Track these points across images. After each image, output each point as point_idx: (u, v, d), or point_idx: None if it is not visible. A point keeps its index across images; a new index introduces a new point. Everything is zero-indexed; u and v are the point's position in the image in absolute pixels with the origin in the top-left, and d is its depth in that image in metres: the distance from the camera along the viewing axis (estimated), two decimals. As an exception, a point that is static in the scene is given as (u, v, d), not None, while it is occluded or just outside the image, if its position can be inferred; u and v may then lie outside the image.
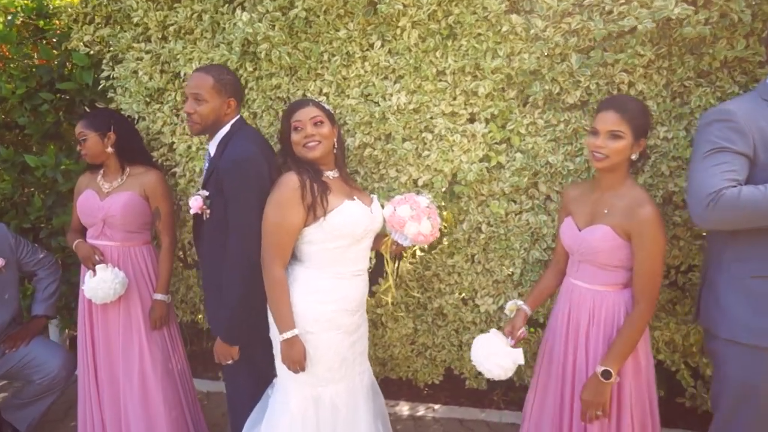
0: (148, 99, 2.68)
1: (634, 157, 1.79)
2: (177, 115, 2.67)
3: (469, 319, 2.65)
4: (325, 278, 1.98)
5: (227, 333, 2.05)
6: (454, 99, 2.24)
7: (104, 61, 2.77)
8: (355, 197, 2.02)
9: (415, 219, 1.95)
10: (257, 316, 2.07)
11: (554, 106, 2.19)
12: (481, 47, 2.12)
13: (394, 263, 2.25)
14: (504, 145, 2.28)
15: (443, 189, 2.35)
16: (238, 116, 2.12)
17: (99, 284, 2.40)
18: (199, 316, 3.29)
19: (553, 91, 2.13)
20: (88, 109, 2.92)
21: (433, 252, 2.60)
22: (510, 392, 3.25)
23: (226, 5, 2.40)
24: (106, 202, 2.51)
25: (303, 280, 1.98)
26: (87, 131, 2.46)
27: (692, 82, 2.03)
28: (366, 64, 2.27)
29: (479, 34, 2.12)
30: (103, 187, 2.56)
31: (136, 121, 2.72)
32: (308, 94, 2.38)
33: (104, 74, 2.76)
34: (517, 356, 1.94)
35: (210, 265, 2.14)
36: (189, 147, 2.66)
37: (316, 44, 2.30)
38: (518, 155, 2.24)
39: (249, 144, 2.03)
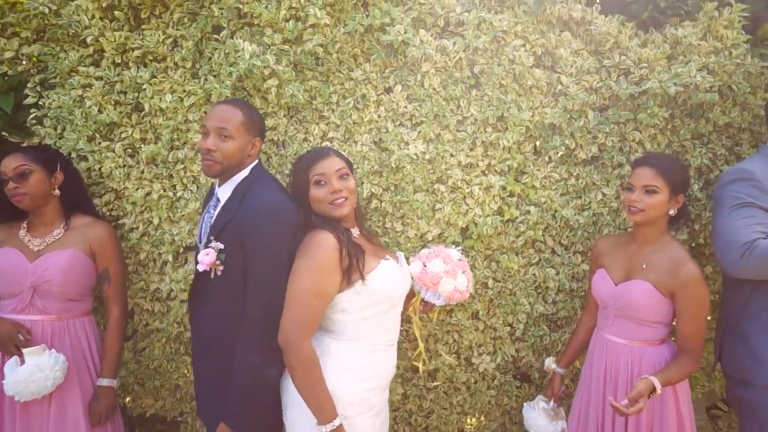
0: (94, 135, 2.18)
1: (672, 212, 1.85)
2: (132, 156, 2.21)
3: (462, 380, 2.49)
4: (360, 351, 1.70)
5: (240, 422, 1.65)
6: (472, 150, 2.15)
7: (29, 85, 2.22)
8: (387, 256, 1.80)
9: (451, 274, 1.79)
10: (273, 399, 1.72)
11: (567, 161, 2.21)
12: (506, 98, 2.08)
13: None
14: (515, 198, 2.24)
15: (453, 244, 2.22)
16: (258, 160, 1.80)
17: (32, 375, 1.81)
18: (127, 399, 2.69)
19: (569, 145, 2.15)
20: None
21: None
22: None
23: (215, 34, 2.08)
24: (38, 264, 1.95)
25: (335, 354, 1.68)
26: (32, 165, 1.92)
27: (689, 143, 2.19)
28: (381, 108, 2.10)
29: (502, 86, 2.09)
30: (30, 244, 1.99)
31: (75, 162, 2.19)
32: (310, 138, 2.12)
33: (28, 100, 2.20)
34: (561, 426, 2.00)
35: (213, 337, 1.73)
36: (148, 194, 2.20)
37: (325, 84, 2.07)
38: (532, 208, 2.21)
39: (278, 192, 1.72)
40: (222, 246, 1.67)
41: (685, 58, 2.05)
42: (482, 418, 2.68)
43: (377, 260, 1.71)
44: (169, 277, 2.29)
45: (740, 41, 2.05)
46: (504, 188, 2.20)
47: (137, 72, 2.13)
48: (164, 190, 2.21)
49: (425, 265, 1.79)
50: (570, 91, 2.07)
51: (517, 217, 2.23)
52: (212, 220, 1.77)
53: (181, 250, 2.30)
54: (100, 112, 2.15)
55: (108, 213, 2.26)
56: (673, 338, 1.96)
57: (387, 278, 1.70)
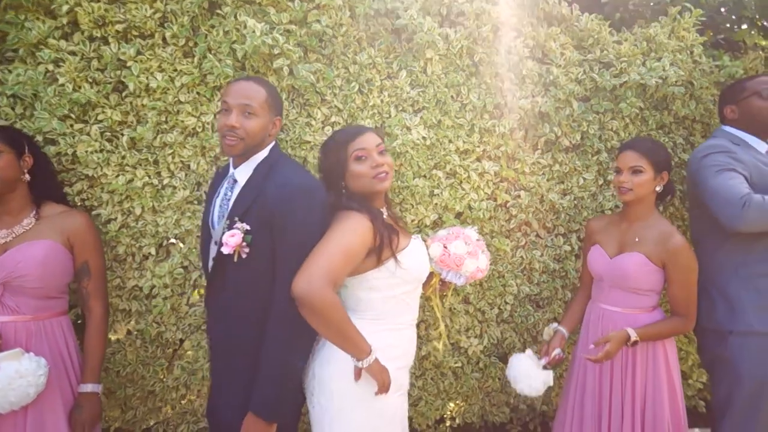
0: (67, 116, 1.95)
1: (658, 189, 2.03)
2: (110, 140, 2.01)
3: (451, 365, 2.54)
4: (387, 330, 1.68)
5: (272, 408, 1.56)
6: (469, 136, 2.22)
7: (-16, 58, 1.94)
8: (412, 237, 1.80)
9: (473, 255, 1.82)
10: (299, 386, 1.66)
11: (552, 148, 2.35)
12: (503, 87, 2.17)
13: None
14: (505, 184, 2.34)
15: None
16: (275, 140, 1.72)
17: (11, 382, 1.58)
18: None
19: (556, 133, 2.29)
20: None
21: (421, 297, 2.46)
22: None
23: (213, 10, 1.96)
24: (7, 258, 1.71)
25: (366, 333, 1.65)
26: (1, 145, 1.68)
27: (655, 132, 2.43)
28: (384, 93, 2.10)
29: (498, 74, 2.18)
30: (-5, 234, 1.75)
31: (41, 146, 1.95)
32: (312, 122, 2.06)
33: (-16, 76, 1.93)
34: (548, 378, 2.03)
35: (237, 323, 1.62)
36: (130, 181, 2.02)
37: (329, 67, 2.03)
38: (522, 193, 2.32)
39: (305, 172, 1.66)
40: (248, 227, 1.57)
41: (656, 54, 2.27)
42: (464, 402, 2.74)
43: (407, 240, 1.71)
44: (150, 272, 2.11)
45: (698, 42, 2.32)
46: (496, 174, 2.29)
47: (119, 48, 1.95)
48: (149, 177, 2.03)
49: (446, 247, 1.81)
50: (559, 81, 2.21)
51: (507, 201, 2.33)
52: (230, 202, 1.67)
53: (164, 242, 2.13)
54: (74, 90, 1.93)
55: (80, 203, 2.04)
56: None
57: (417, 257, 1.70)
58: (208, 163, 2.07)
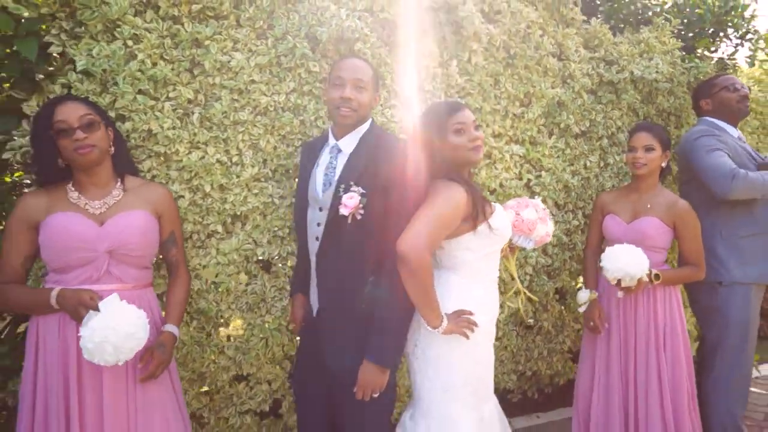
0: (141, 92, 1.96)
1: (663, 164, 2.42)
2: (181, 118, 2.04)
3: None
4: (481, 288, 1.89)
5: (387, 355, 1.72)
6: (503, 121, 2.50)
7: (53, 32, 1.91)
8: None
9: (543, 221, 2.08)
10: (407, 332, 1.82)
11: (565, 134, 2.69)
12: (532, 78, 2.48)
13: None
14: (528, 165, 2.64)
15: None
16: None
17: (131, 327, 1.53)
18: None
19: (570, 121, 2.64)
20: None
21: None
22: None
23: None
24: (110, 227, 1.70)
25: (459, 290, 1.84)
26: (96, 115, 1.68)
27: (642, 122, 2.86)
28: (437, 80, 2.32)
29: (527, 67, 2.49)
30: (87, 207, 1.73)
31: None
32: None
33: (53, 49, 1.89)
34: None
35: (353, 278, 1.75)
36: (202, 158, 2.06)
37: (391, 54, 2.22)
38: (543, 173, 2.64)
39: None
40: (363, 191, 1.72)
41: (648, 54, 2.71)
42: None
43: (491, 205, 1.92)
44: (215, 250, 2.15)
45: (676, 47, 2.79)
46: (522, 156, 2.59)
47: (193, 27, 2.00)
48: (219, 155, 2.09)
49: (518, 213, 2.04)
50: (576, 75, 2.56)
51: (531, 180, 2.64)
52: (336, 169, 1.80)
53: (229, 219, 2.18)
54: (153, 66, 1.96)
55: (150, 180, 2.04)
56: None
57: (503, 221, 1.91)
58: (276, 141, 2.16)
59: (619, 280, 2.24)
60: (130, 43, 1.93)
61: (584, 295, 2.44)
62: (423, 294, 1.66)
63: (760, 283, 2.49)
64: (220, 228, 2.14)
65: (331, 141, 1.85)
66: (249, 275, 2.24)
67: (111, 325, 1.51)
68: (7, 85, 1.95)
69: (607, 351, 2.43)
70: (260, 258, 2.22)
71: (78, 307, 1.57)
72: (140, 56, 1.93)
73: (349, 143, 1.81)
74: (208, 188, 2.09)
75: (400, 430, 1.89)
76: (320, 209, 1.83)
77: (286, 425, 2.53)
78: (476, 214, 1.77)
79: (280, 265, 2.30)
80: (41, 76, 1.96)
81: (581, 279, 2.89)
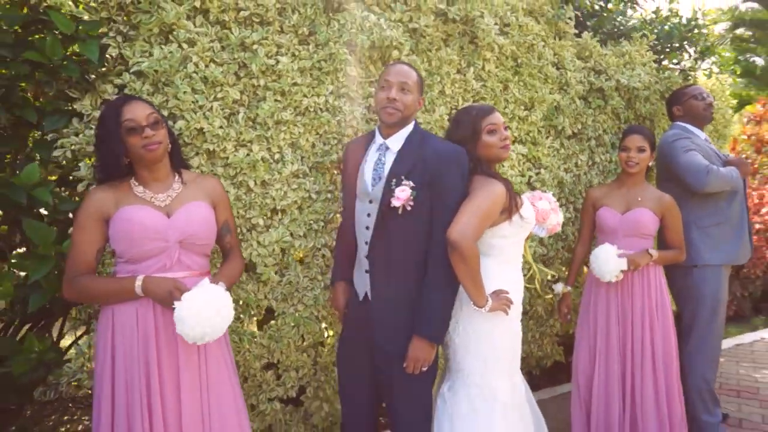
0: (191, 93, 2.07)
1: (651, 163, 2.75)
2: (227, 117, 2.16)
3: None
4: (514, 270, 2.14)
5: (436, 331, 1.92)
6: (510, 123, 2.76)
7: (110, 34, 1.99)
8: None
9: (555, 211, 2.36)
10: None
11: (560, 135, 2.99)
12: (536, 84, 2.75)
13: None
14: (528, 163, 2.92)
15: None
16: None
17: (216, 301, 1.64)
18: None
19: (564, 124, 2.94)
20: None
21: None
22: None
23: (329, 5, 2.25)
24: (178, 218, 1.81)
25: (495, 273, 2.07)
26: (158, 115, 1.79)
27: (623, 125, 3.20)
28: (455, 85, 2.55)
29: (531, 75, 2.76)
30: (153, 200, 1.83)
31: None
32: (401, 107, 2.43)
33: (111, 51, 1.97)
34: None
35: (402, 264, 1.94)
36: (247, 155, 2.18)
37: (419, 61, 2.43)
38: (542, 170, 2.92)
39: (448, 142, 2.03)
40: (413, 184, 1.91)
41: (631, 65, 3.05)
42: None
43: (521, 197, 2.16)
44: (256, 242, 2.27)
45: (652, 59, 3.15)
46: (524, 155, 2.86)
47: (240, 32, 2.13)
48: (263, 152, 2.22)
49: (534, 204, 2.30)
50: (571, 82, 2.86)
51: (531, 177, 2.91)
52: (385, 165, 1.98)
53: (269, 213, 2.31)
54: (206, 68, 2.07)
55: (199, 176, 2.14)
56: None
57: (530, 210, 2.16)
58: (314, 140, 2.32)
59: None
60: (185, 46, 2.03)
61: (558, 288, 2.75)
62: (472, 277, 1.87)
63: (727, 264, 2.87)
64: (261, 221, 2.27)
65: (379, 140, 2.03)
66: (286, 267, 2.38)
67: (211, 303, 1.63)
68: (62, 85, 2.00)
69: (606, 330, 2.72)
70: (297, 250, 2.37)
71: (172, 292, 1.68)
72: (194, 59, 2.04)
73: (396, 142, 2.00)
74: (252, 184, 2.21)
75: (439, 400, 2.10)
76: (370, 201, 2.00)
77: (307, 411, 2.67)
78: (511, 207, 2.01)
79: (312, 256, 2.45)
80: (92, 76, 2.03)
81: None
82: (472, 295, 1.91)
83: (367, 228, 2.02)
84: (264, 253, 2.28)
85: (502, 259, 2.09)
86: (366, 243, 2.03)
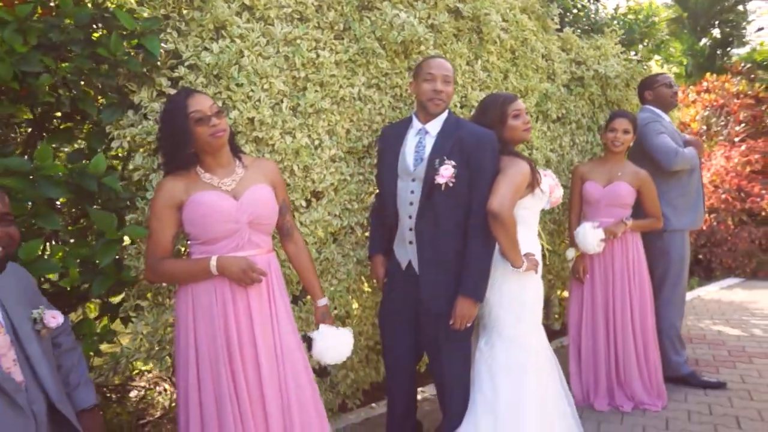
0: (241, 85, 2.23)
1: (631, 144, 3.16)
2: (273, 108, 2.33)
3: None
4: (532, 235, 2.47)
5: (479, 290, 2.22)
6: (508, 109, 3.08)
7: (168, 30, 2.11)
8: None
9: (558, 186, 2.70)
10: None
11: (547, 119, 3.36)
12: (529, 75, 3.09)
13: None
14: (522, 145, 3.26)
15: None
16: None
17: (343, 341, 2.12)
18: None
19: (551, 110, 3.31)
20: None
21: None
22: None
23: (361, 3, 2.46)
24: (246, 200, 1.96)
25: (522, 238, 2.37)
26: (216, 104, 1.94)
27: (597, 110, 3.62)
28: (465, 76, 2.83)
29: (526, 66, 3.10)
30: (221, 185, 1.98)
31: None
32: (421, 95, 2.69)
33: (168, 46, 2.10)
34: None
35: (445, 234, 2.21)
36: (292, 142, 2.37)
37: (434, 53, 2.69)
38: (534, 151, 3.28)
39: (482, 126, 2.31)
40: (454, 163, 2.19)
41: (605, 57, 3.45)
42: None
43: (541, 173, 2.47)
44: (298, 222, 2.47)
45: (620, 51, 3.58)
46: (519, 137, 3.20)
47: (282, 28, 2.31)
48: (306, 139, 2.41)
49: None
50: (558, 72, 3.22)
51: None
52: (426, 147, 2.24)
53: (309, 195, 2.51)
54: (255, 62, 2.24)
55: (250, 162, 2.31)
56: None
57: (547, 184, 2.48)
58: (349, 126, 2.53)
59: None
60: (237, 40, 2.19)
61: (570, 253, 3.13)
62: (511, 242, 2.18)
63: (690, 229, 3.37)
64: (303, 203, 2.47)
65: (417, 125, 2.29)
66: (323, 244, 2.59)
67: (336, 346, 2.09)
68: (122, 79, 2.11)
69: (592, 289, 3.14)
70: (334, 228, 2.58)
71: (245, 270, 1.86)
72: (246, 53, 2.20)
73: (434, 126, 2.26)
74: (295, 168, 2.41)
75: (477, 354, 2.40)
76: (413, 180, 2.26)
77: (332, 381, 2.90)
78: (534, 182, 2.33)
79: (345, 234, 2.67)
80: (144, 70, 2.15)
81: (560, 238, 3.61)
82: (511, 258, 2.22)
83: (411, 204, 2.27)
84: (305, 232, 2.48)
85: (526, 228, 2.41)
86: (410, 217, 2.28)
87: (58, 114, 2.32)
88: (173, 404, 3.15)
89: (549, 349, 2.48)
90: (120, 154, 2.38)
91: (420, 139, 2.28)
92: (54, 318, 1.58)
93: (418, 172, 2.25)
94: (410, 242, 2.31)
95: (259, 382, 1.91)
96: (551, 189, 2.63)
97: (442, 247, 2.23)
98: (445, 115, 2.29)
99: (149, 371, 3.57)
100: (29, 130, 2.43)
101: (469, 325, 2.24)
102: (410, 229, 2.29)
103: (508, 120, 2.35)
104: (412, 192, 2.26)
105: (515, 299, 2.33)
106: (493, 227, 2.15)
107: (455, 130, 2.25)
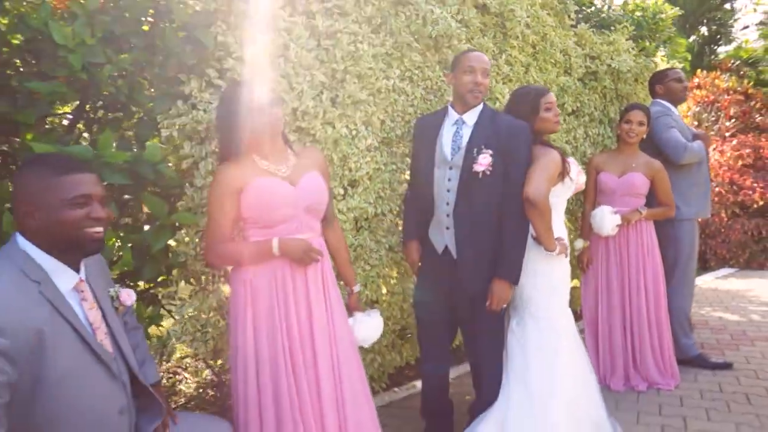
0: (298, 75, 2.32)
1: (644, 136, 3.30)
2: (314, 98, 2.42)
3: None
4: (560, 221, 2.59)
5: (514, 273, 2.33)
6: (528, 102, 3.20)
7: (219, 23, 2.19)
8: None
9: (581, 173, 2.83)
10: None
11: (562, 112, 3.49)
12: (548, 69, 3.22)
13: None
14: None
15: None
16: None
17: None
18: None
19: (568, 103, 3.43)
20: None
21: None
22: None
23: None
24: (303, 187, 2.06)
25: (552, 224, 2.50)
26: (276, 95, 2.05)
27: (608, 103, 3.76)
28: (491, 69, 2.94)
29: (545, 59, 3.22)
30: (277, 171, 2.07)
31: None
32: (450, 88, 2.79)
33: (219, 38, 2.18)
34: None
35: (480, 219, 2.32)
36: (332, 131, 2.46)
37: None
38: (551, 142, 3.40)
39: (515, 118, 2.42)
40: (491, 152, 2.30)
41: (617, 52, 3.59)
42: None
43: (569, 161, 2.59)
44: (336, 210, 2.56)
45: (630, 46, 3.72)
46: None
47: (324, 22, 2.40)
48: (345, 129, 2.50)
49: None
50: (574, 66, 3.35)
51: (543, 149, 3.39)
52: (463, 137, 2.35)
53: (346, 183, 2.60)
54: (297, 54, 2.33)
55: (292, 151, 2.40)
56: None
57: (575, 172, 2.60)
58: (384, 117, 2.63)
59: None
60: (284, 33, 2.27)
61: (579, 244, 3.27)
62: (546, 226, 2.31)
63: (699, 218, 3.53)
64: (341, 191, 2.56)
65: (454, 116, 2.39)
66: (358, 230, 2.69)
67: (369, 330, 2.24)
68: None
69: (607, 276, 3.28)
70: (369, 216, 2.68)
71: (306, 251, 1.96)
72: (292, 45, 2.29)
73: (471, 117, 2.37)
74: (335, 157, 2.50)
75: (509, 335, 2.52)
76: (450, 168, 2.37)
77: (364, 360, 2.99)
78: (564, 171, 2.45)
79: (377, 221, 2.77)
80: (192, 61, 2.22)
81: (573, 226, 3.75)
82: (545, 242, 2.34)
83: (449, 191, 2.38)
84: (343, 218, 2.58)
85: (555, 214, 2.53)
86: (447, 204, 2.39)
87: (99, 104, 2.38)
88: (197, 392, 3.23)
89: (576, 330, 2.61)
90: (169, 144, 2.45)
91: (457, 129, 2.39)
92: (129, 296, 1.67)
93: (456, 161, 2.35)
94: (447, 227, 2.41)
95: (314, 364, 2.01)
96: (576, 175, 2.76)
97: (477, 231, 2.34)
98: (481, 106, 2.40)
99: (167, 361, 3.64)
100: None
101: (504, 306, 2.36)
102: (447, 215, 2.40)
103: (540, 112, 2.47)
104: (450, 180, 2.37)
105: (546, 280, 2.45)
106: (529, 213, 2.26)
107: (491, 121, 2.36)
